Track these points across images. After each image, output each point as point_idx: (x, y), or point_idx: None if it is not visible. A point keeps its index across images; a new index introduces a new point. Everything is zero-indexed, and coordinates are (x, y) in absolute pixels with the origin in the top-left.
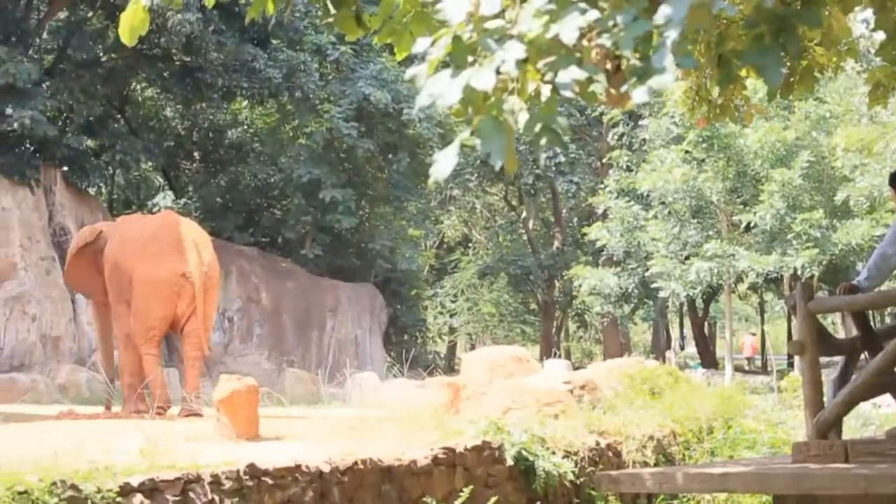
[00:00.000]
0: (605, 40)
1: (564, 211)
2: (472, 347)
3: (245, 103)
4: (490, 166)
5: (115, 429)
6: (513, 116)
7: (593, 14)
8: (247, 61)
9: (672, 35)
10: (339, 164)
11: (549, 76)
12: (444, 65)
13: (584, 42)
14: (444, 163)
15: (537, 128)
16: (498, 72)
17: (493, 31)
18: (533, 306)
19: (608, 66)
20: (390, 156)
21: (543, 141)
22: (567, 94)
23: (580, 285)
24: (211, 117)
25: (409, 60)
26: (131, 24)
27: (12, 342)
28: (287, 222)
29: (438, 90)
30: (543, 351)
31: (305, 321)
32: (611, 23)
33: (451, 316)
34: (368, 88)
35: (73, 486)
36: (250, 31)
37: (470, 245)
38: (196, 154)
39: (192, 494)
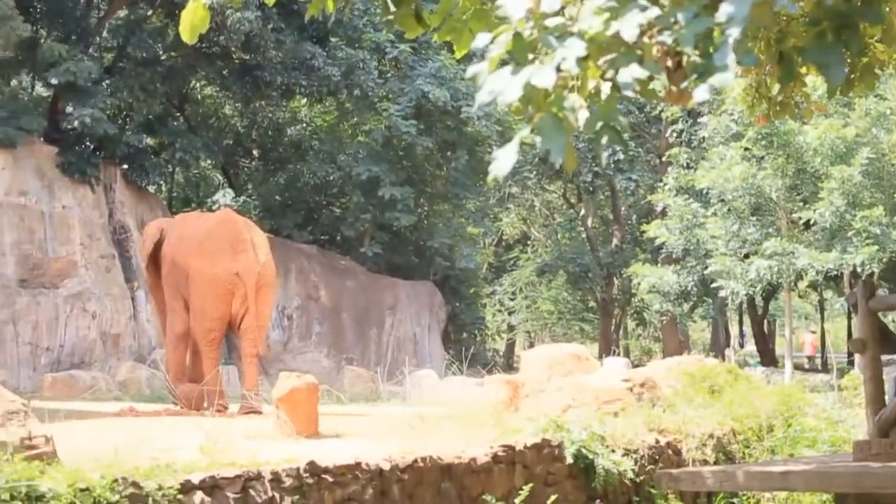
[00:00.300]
0: (666, 37)
1: (623, 208)
2: (531, 345)
3: (304, 101)
4: (549, 164)
5: (175, 426)
6: (573, 114)
7: (654, 11)
8: (306, 59)
9: (734, 32)
10: (398, 161)
11: (609, 74)
12: (504, 62)
13: (645, 39)
14: (503, 160)
15: (598, 125)
16: (558, 69)
17: (554, 28)
18: (592, 304)
19: (669, 63)
20: (449, 153)
21: (604, 139)
22: (628, 91)
23: (639, 283)
24: (270, 115)
25: (468, 58)
26: (192, 22)
27: (73, 339)
28: (346, 220)
29: (499, 87)
30: (602, 349)
31: (364, 319)
32: (671, 20)
33: (510, 314)
34: (427, 86)
35: (135, 484)
36: (309, 29)
37: (528, 243)
38: (255, 152)
39: (252, 492)
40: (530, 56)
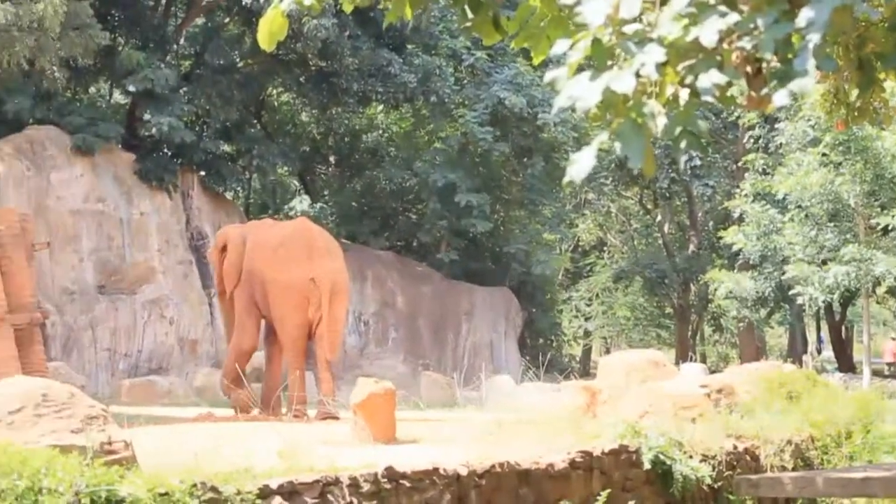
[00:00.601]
0: (746, 43)
1: (700, 214)
2: (607, 351)
3: (380, 108)
4: (625, 170)
5: (253, 431)
6: (652, 120)
7: (733, 17)
8: (382, 66)
9: (814, 38)
10: (474, 168)
11: (688, 79)
12: (582, 68)
13: (724, 45)
14: (581, 163)
15: (677, 131)
16: (637, 75)
17: (633, 34)
18: (668, 310)
19: (748, 69)
20: (525, 160)
21: (683, 144)
22: (707, 97)
23: (716, 289)
24: (346, 122)
25: (544, 65)
26: (270, 30)
27: (150, 345)
28: (422, 226)
29: (578, 92)
30: (679, 355)
31: (441, 325)
32: (751, 25)
33: (586, 320)
34: (503, 92)
35: (213, 489)
36: (386, 36)
37: (605, 249)
38: (332, 158)
39: (330, 497)
40: (609, 63)
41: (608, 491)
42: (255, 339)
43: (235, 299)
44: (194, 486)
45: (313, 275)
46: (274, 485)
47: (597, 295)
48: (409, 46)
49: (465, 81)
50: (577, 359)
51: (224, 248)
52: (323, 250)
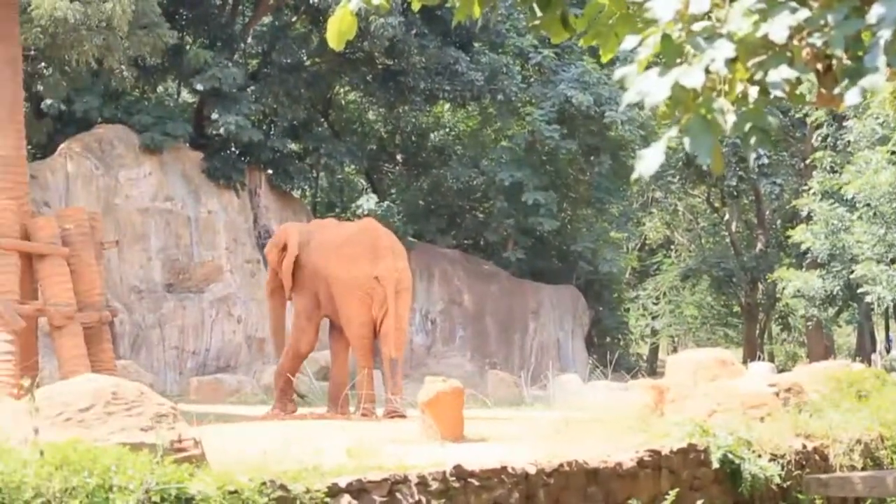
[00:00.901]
0: (816, 40)
1: (768, 213)
2: (675, 350)
3: (447, 106)
4: (693, 168)
5: (321, 430)
6: (721, 116)
7: (804, 13)
8: (449, 64)
9: (885, 34)
10: (541, 166)
11: (758, 76)
12: (651, 65)
13: (794, 42)
14: (650, 160)
15: (746, 127)
16: (707, 70)
17: (703, 30)
18: (736, 309)
19: (818, 66)
20: (592, 158)
21: (753, 140)
22: (777, 92)
23: (784, 288)
24: (413, 120)
25: (612, 63)
26: (339, 29)
27: (218, 343)
28: (489, 225)
29: (647, 88)
30: (747, 354)
31: (508, 323)
32: (821, 21)
33: (653, 318)
34: (570, 91)
35: (282, 487)
36: (452, 35)
37: (672, 247)
38: (399, 157)
39: (398, 495)
40: (678, 60)
41: (676, 490)
42: (313, 342)
43: (295, 300)
44: (263, 484)
45: (378, 273)
46: (343, 483)
47: (664, 293)
48: (476, 45)
49: (532, 79)
50: (645, 357)
51: (284, 247)
52: (387, 250)
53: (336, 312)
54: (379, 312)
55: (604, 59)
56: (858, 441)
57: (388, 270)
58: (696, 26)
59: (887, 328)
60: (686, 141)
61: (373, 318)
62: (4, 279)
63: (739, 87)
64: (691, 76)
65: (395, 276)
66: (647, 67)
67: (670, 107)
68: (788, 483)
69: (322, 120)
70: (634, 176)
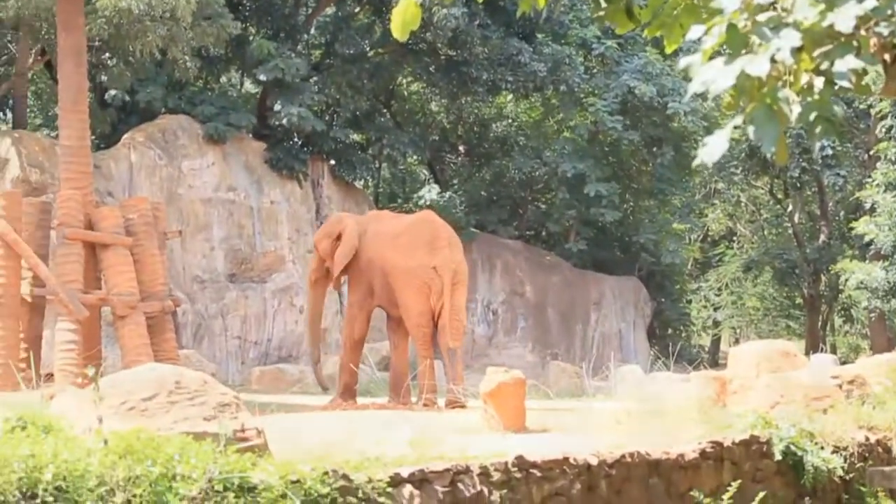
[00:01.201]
0: (883, 29)
1: (831, 204)
2: (737, 341)
3: (510, 97)
4: (756, 159)
5: (383, 420)
6: (787, 106)
7: (871, 2)
8: (512, 55)
9: None
10: (604, 157)
11: (824, 66)
12: (716, 55)
13: (861, 31)
14: (714, 147)
15: (812, 117)
16: (773, 60)
17: (768, 20)
18: (798, 300)
19: (886, 56)
20: (655, 149)
21: (818, 130)
22: (843, 82)
23: (847, 279)
24: (476, 111)
25: (675, 54)
26: (403, 19)
27: (280, 333)
28: (551, 216)
29: (712, 76)
30: (809, 345)
31: (569, 314)
32: (889, 11)
33: (715, 310)
34: (633, 81)
35: (345, 476)
36: (515, 26)
37: (734, 238)
38: (461, 147)
39: (460, 485)
40: (743, 51)
41: (738, 482)
42: (366, 330)
43: (349, 289)
44: (326, 473)
45: (435, 263)
46: (405, 473)
47: (726, 285)
48: (539, 35)
49: (595, 70)
50: (706, 349)
51: (338, 237)
52: (445, 241)
53: (392, 303)
54: (437, 303)
55: (668, 50)
56: None
57: (445, 261)
58: (762, 16)
59: None
60: (751, 130)
61: (431, 308)
62: (68, 269)
63: (805, 78)
64: (757, 65)
65: (453, 267)
66: (712, 58)
67: (735, 96)
68: (851, 475)
69: (385, 110)
70: (697, 162)
